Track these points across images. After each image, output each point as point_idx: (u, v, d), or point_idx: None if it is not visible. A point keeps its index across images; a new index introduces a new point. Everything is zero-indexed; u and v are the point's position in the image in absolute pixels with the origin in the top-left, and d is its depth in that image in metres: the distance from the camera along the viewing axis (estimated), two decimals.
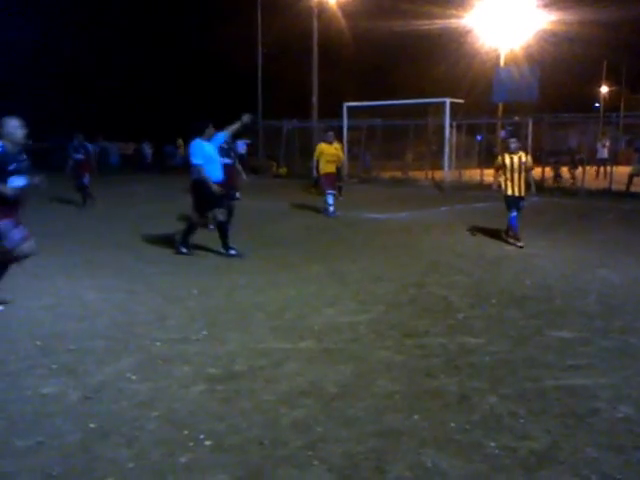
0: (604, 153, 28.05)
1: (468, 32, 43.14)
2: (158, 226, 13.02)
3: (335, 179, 16.18)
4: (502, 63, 41.50)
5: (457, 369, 5.47)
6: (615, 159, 25.37)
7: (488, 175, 26.16)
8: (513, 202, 11.60)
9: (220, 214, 10.46)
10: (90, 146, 17.98)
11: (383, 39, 44.61)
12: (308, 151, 31.05)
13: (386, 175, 28.49)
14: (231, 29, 43.39)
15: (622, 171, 23.37)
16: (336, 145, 16.41)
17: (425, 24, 41.83)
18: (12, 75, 41.80)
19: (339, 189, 20.82)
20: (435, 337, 6.34)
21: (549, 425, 4.40)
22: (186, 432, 4.28)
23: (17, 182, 6.90)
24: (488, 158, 29.94)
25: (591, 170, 25.94)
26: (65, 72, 46.39)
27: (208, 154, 10.30)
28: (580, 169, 24.55)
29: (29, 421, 4.43)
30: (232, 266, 9.67)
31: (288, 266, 9.78)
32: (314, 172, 16.29)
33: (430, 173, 28.05)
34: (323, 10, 35.60)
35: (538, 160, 21.59)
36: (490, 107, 36.80)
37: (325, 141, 16.24)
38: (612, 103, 54.81)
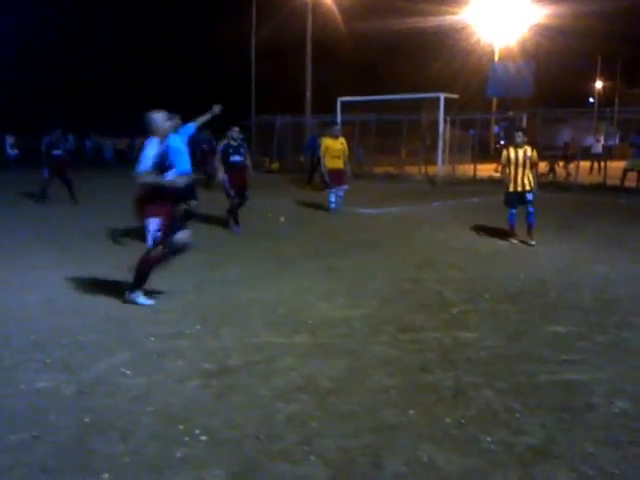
0: (598, 148, 28.15)
1: (463, 28, 43.22)
2: None
3: (341, 175, 15.55)
4: (497, 58, 41.67)
5: (452, 364, 5.46)
6: (609, 154, 25.40)
7: (481, 170, 26.27)
8: (514, 199, 11.24)
9: (191, 206, 10.64)
10: (70, 142, 17.59)
11: (378, 35, 44.70)
12: (301, 147, 31.07)
13: (380, 170, 28.44)
14: (225, 24, 43.36)
15: (616, 166, 23.44)
16: (342, 140, 15.77)
17: (420, 20, 41.90)
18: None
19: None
20: (430, 332, 6.33)
21: (545, 420, 4.40)
22: (181, 427, 4.26)
23: (173, 175, 6.99)
24: (482, 153, 30.03)
25: (585, 165, 25.96)
26: (55, 66, 46.22)
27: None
28: (574, 164, 24.62)
29: (23, 416, 4.41)
30: (226, 261, 9.65)
31: (280, 261, 9.76)
32: (323, 168, 15.71)
33: (424, 168, 28.04)
34: (318, 5, 35.57)
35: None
36: (485, 102, 36.89)
37: (330, 136, 15.79)
38: (606, 98, 54.86)
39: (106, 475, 3.71)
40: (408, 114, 28.06)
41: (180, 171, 9.99)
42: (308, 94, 33.80)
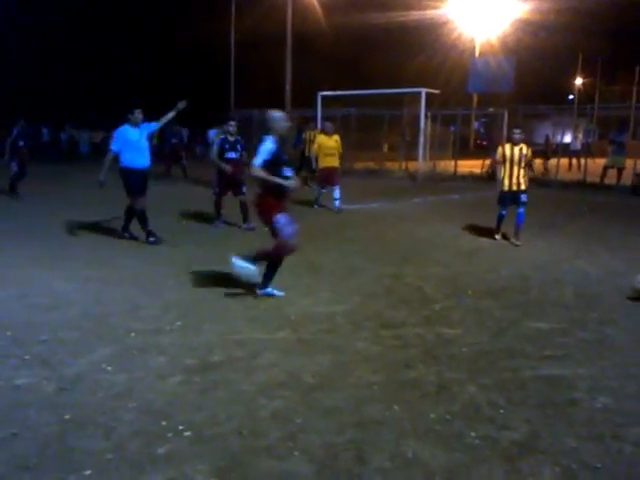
0: (577, 145, 28.35)
1: (445, 23, 43.30)
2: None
3: (334, 174, 14.81)
4: (478, 53, 41.76)
5: (435, 360, 5.46)
6: (589, 151, 25.57)
7: (462, 167, 26.32)
8: (508, 198, 10.93)
9: (139, 204, 10.50)
10: (45, 134, 17.26)
11: (359, 29, 44.63)
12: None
13: (360, 166, 28.42)
14: (204, 16, 43.06)
15: (594, 163, 23.60)
16: (336, 137, 15.03)
17: (402, 14, 41.88)
18: None
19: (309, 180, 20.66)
20: (412, 328, 6.33)
21: (529, 415, 4.41)
22: (164, 423, 4.23)
23: (288, 173, 7.11)
24: (463, 150, 30.09)
25: (564, 162, 26.11)
26: (30, 58, 45.64)
27: (132, 140, 10.28)
28: (552, 160, 24.74)
29: (3, 412, 4.35)
30: (207, 257, 9.58)
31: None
32: (314, 165, 15.28)
33: (404, 164, 28.07)
34: None
35: None
36: (466, 98, 36.99)
37: (323, 132, 15.24)
38: (587, 95, 55.20)
39: (88, 472, 3.67)
40: (389, 109, 28.04)
41: (137, 166, 10.26)
42: (288, 88, 33.65)
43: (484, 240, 11.31)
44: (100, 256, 9.45)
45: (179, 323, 6.35)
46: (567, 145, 28.48)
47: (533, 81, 43.13)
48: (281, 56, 33.76)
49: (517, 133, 10.98)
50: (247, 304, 7.07)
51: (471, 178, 24.24)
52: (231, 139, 12.05)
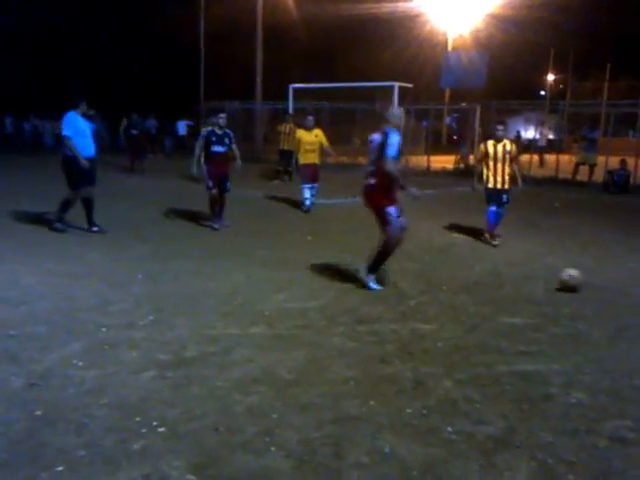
0: (542, 141, 28.78)
1: (417, 16, 43.32)
2: (99, 209, 12.72)
3: (315, 171, 14.07)
4: (450, 48, 41.88)
5: (411, 355, 5.45)
6: (561, 147, 25.82)
7: (435, 162, 26.41)
8: (494, 195, 10.55)
9: (87, 192, 10.52)
10: (7, 125, 16.88)
11: (331, 21, 44.37)
12: (252, 133, 30.79)
13: (332, 160, 28.32)
14: (174, 6, 42.57)
15: (562, 159, 23.82)
16: (316, 132, 14.20)
17: (374, 7, 41.84)
18: None
19: (288, 174, 20.58)
20: (387, 323, 6.32)
21: (504, 410, 4.42)
22: (138, 419, 4.16)
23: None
24: (435, 145, 30.17)
25: (535, 158, 26.30)
26: None
27: (81, 128, 10.33)
28: (525, 157, 24.91)
29: None
30: (178, 251, 9.50)
31: (235, 251, 9.66)
32: (293, 161, 14.79)
33: None
34: None
35: None
36: (438, 93, 37.06)
37: (303, 127, 14.35)
38: (558, 91, 55.62)
39: (61, 468, 3.61)
40: (362, 103, 27.98)
41: (83, 154, 10.28)
42: (258, 80, 33.40)
43: (458, 236, 11.35)
44: (67, 250, 9.32)
45: (151, 318, 6.27)
46: (535, 141, 28.81)
47: (505, 77, 43.39)
48: (252, 47, 33.46)
49: (500, 129, 10.73)
50: (220, 299, 7.01)
51: (444, 174, 24.31)
52: (219, 132, 11.43)
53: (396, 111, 8.05)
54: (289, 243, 10.31)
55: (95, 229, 10.66)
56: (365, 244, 10.31)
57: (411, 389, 4.76)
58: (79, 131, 10.29)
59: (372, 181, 7.58)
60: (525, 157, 24.69)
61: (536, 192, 19.24)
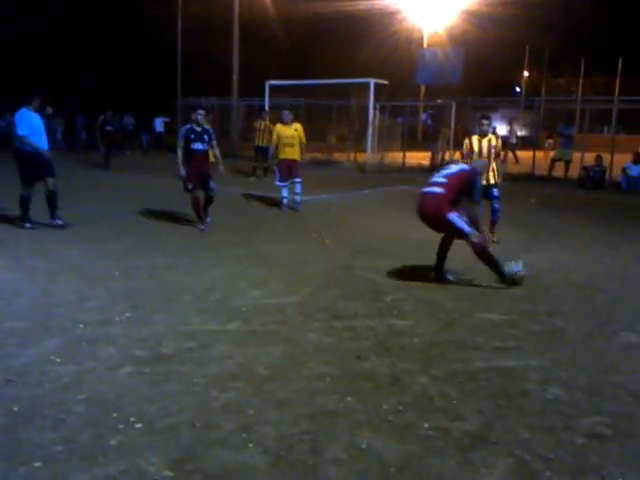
0: (512, 138, 29.22)
1: (393, 12, 43.38)
2: (74, 205, 12.64)
3: (292, 167, 13.67)
4: (425, 44, 42.02)
5: (387, 351, 5.48)
6: (536, 143, 26.07)
7: (410, 158, 26.49)
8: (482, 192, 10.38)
9: (51, 184, 10.47)
10: None
11: (307, 18, 44.32)
12: (229, 130, 30.68)
13: (307, 156, 28.32)
14: (151, 4, 42.29)
15: (537, 155, 24.04)
16: (296, 126, 13.86)
17: (350, 4, 41.83)
18: None
19: (264, 170, 20.54)
20: (364, 319, 6.34)
21: (481, 406, 4.45)
22: (115, 415, 4.15)
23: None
24: (411, 141, 30.26)
25: (510, 154, 26.52)
26: None
27: (35, 124, 10.32)
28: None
29: None
30: (154, 248, 9.45)
31: (211, 248, 9.64)
32: (270, 155, 14.63)
33: (352, 155, 28.12)
34: None
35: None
36: (414, 89, 37.18)
37: (281, 122, 13.86)
38: (533, 87, 55.98)
39: (38, 464, 3.59)
40: (337, 99, 27.99)
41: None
42: (235, 77, 33.28)
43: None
44: (42, 247, 9.24)
45: (128, 314, 6.25)
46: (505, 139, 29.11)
47: (481, 73, 43.60)
48: (229, 44, 33.33)
49: (485, 124, 10.48)
50: (197, 295, 7.00)
51: (420, 169, 24.39)
52: (197, 129, 10.91)
53: (482, 162, 9.33)
54: (266, 240, 10.30)
55: (59, 222, 10.61)
56: (341, 240, 10.39)
57: (388, 385, 4.78)
58: (34, 127, 10.26)
59: (438, 190, 7.72)
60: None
61: (512, 188, 19.37)
